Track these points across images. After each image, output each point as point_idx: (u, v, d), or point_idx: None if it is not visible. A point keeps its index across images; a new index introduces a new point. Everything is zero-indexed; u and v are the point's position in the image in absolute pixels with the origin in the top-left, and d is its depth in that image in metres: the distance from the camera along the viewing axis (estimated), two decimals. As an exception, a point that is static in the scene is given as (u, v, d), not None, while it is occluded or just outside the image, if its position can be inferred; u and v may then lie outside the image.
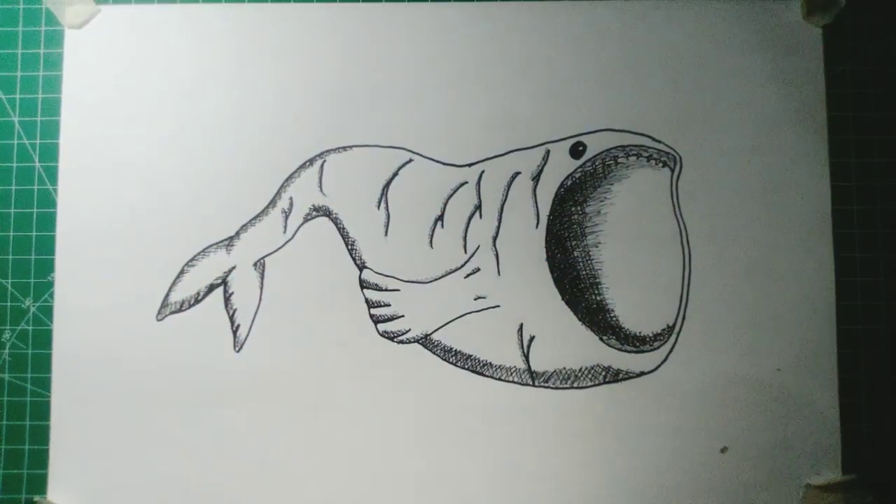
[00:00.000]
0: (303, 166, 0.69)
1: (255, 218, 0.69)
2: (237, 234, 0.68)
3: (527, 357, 0.66)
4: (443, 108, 0.68)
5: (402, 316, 0.67)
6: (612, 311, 0.66)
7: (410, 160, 0.68)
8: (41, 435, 0.67)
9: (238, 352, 0.68)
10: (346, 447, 0.67)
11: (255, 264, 0.68)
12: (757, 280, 0.68)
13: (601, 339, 0.66)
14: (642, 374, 0.67)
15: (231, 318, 0.68)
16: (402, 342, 0.67)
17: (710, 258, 0.68)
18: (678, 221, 0.67)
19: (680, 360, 0.67)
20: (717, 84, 0.69)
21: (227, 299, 0.68)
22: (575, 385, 0.67)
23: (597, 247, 0.66)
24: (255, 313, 0.68)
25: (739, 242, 0.68)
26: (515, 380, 0.67)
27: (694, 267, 0.68)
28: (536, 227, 0.67)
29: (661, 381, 0.67)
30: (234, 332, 0.68)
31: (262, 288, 0.68)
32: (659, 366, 0.67)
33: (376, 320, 0.67)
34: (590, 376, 0.66)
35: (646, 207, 0.67)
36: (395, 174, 0.68)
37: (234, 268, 0.68)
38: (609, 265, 0.67)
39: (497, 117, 0.68)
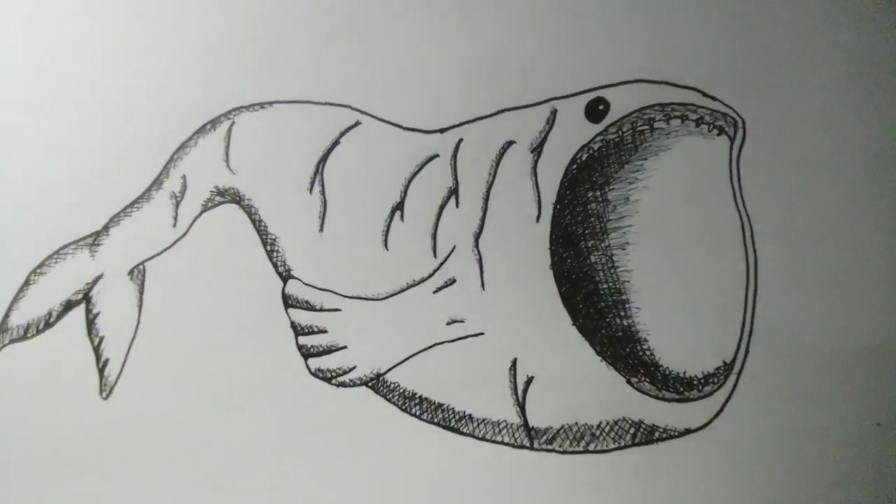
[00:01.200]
0: (201, 131, 0.58)
1: (131, 206, 0.58)
2: (106, 228, 0.58)
3: (522, 407, 0.56)
4: (405, 51, 0.58)
5: (344, 347, 0.56)
6: (645, 341, 0.55)
7: (357, 123, 0.58)
8: None
9: (106, 398, 0.57)
10: (264, 532, 0.56)
11: (131, 272, 0.57)
12: (848, 296, 0.56)
13: (629, 381, 0.55)
14: (688, 431, 0.55)
15: (96, 349, 0.57)
16: (343, 385, 0.56)
17: (783, 265, 0.56)
18: (739, 213, 0.56)
19: (741, 411, 0.55)
20: (795, 19, 0.58)
21: (90, 322, 0.57)
22: (591, 448, 0.56)
23: (623, 249, 0.56)
24: (131, 343, 0.57)
25: (824, 243, 0.56)
26: (506, 440, 0.56)
27: (761, 278, 0.56)
28: (538, 220, 0.56)
29: (713, 441, 0.55)
30: (101, 370, 0.57)
31: (140, 306, 0.57)
32: (711, 420, 0.55)
33: (307, 353, 0.56)
34: (613, 435, 0.56)
35: (694, 193, 0.56)
36: (336, 143, 0.58)
37: (100, 277, 0.58)
38: (641, 275, 0.55)
39: (482, 63, 0.58)
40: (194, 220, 0.57)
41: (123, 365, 0.56)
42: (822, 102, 0.57)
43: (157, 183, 0.57)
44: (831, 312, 0.56)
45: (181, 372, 0.56)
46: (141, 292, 0.56)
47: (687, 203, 0.56)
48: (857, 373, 0.55)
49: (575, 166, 0.56)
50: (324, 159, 0.57)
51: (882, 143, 0.56)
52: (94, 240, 0.57)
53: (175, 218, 0.57)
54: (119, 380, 0.56)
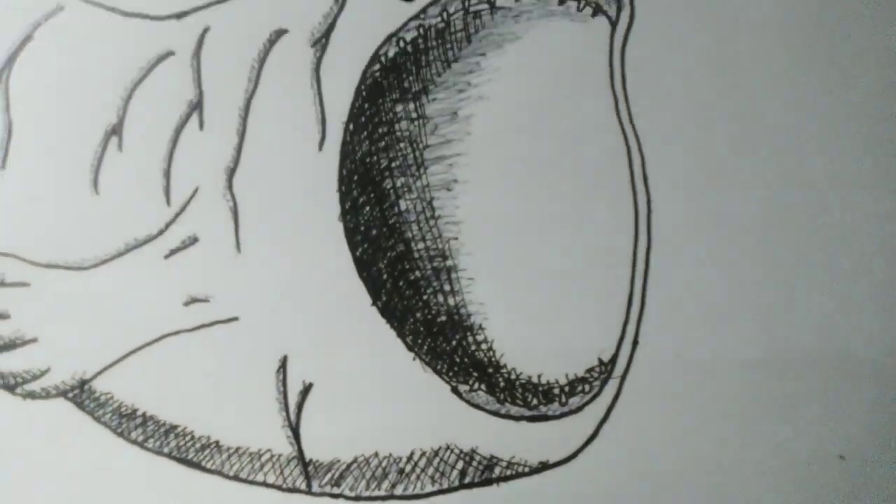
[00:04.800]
0: None
1: None
2: None
3: (296, 431, 0.41)
4: None
5: (34, 340, 0.42)
6: (481, 329, 0.41)
7: (59, 9, 0.42)
8: None
9: None
10: None
11: None
12: (801, 269, 0.40)
13: (456, 390, 0.41)
14: (544, 467, 0.41)
15: None
16: (32, 396, 0.42)
17: (689, 213, 0.40)
18: (624, 134, 0.41)
19: (624, 435, 0.41)
20: None
21: None
22: (399, 491, 0.41)
23: (449, 189, 0.42)
24: None
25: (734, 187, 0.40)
26: (272, 479, 0.41)
27: (656, 230, 0.40)
28: (321, 147, 0.42)
29: (582, 481, 0.40)
30: None
31: None
32: (580, 449, 0.41)
33: (-23, 350, 0.42)
34: (431, 472, 0.41)
35: (554, 103, 0.41)
36: (27, 40, 0.42)
37: None
38: (475, 230, 0.41)
39: None
40: None
41: None
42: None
43: None
44: (769, 281, 0.39)
45: None
46: None
47: (543, 120, 0.39)
48: (806, 379, 0.38)
49: (377, 67, 0.39)
50: (8, 64, 0.40)
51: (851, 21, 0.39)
52: None
53: None
54: None
